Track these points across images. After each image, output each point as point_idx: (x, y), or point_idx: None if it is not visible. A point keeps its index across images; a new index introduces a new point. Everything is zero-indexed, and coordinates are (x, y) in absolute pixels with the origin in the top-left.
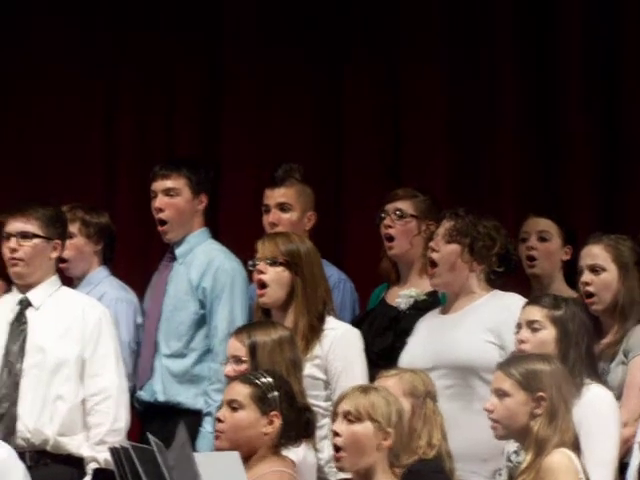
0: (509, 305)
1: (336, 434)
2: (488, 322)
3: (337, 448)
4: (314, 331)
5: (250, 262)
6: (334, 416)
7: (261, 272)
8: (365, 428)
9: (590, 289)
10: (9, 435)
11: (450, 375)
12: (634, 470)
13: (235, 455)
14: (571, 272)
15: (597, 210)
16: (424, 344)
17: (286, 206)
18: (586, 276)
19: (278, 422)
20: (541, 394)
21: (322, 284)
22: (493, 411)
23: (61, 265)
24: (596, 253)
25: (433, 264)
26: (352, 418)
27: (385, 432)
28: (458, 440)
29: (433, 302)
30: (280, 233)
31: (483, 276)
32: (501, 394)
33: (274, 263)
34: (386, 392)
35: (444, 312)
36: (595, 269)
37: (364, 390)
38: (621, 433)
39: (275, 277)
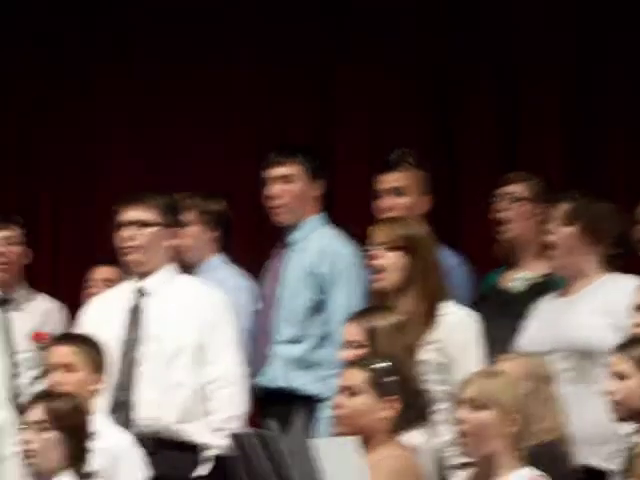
0: (625, 287)
1: (460, 421)
2: (605, 305)
3: (462, 435)
4: (431, 315)
5: (366, 247)
6: (458, 403)
7: (377, 257)
8: (490, 415)
9: None
10: (128, 423)
11: (568, 358)
12: None
13: (353, 440)
14: None
15: None
16: (542, 327)
17: (400, 190)
18: None
19: (395, 407)
20: None
21: (438, 268)
22: (613, 393)
23: (178, 252)
24: None
25: (550, 247)
26: (476, 405)
27: (509, 418)
28: (576, 423)
29: (548, 285)
30: (396, 218)
31: (600, 258)
32: (621, 376)
33: (390, 248)
34: (509, 376)
35: (562, 295)
36: None
37: (487, 375)
38: None
39: (391, 262)
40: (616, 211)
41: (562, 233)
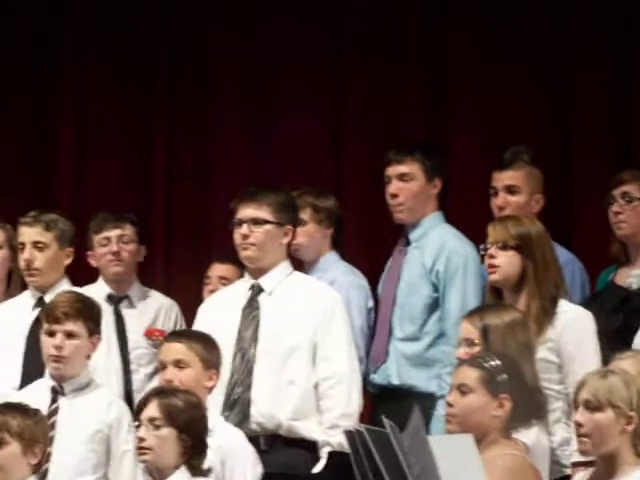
0: None
1: (578, 424)
2: None
3: (581, 436)
4: (546, 314)
5: (482, 246)
6: (575, 405)
7: (492, 256)
8: (606, 415)
9: None
10: (243, 420)
11: None
12: None
13: (469, 438)
14: None
15: None
16: None
17: (514, 189)
18: None
19: (508, 405)
20: None
21: (554, 266)
22: None
23: (293, 249)
24: None
25: None
26: (592, 407)
27: (627, 416)
28: None
29: None
30: (511, 216)
31: None
32: None
33: (505, 247)
34: (624, 374)
35: None
36: None
37: (602, 376)
38: None
39: (506, 261)
40: None
41: None
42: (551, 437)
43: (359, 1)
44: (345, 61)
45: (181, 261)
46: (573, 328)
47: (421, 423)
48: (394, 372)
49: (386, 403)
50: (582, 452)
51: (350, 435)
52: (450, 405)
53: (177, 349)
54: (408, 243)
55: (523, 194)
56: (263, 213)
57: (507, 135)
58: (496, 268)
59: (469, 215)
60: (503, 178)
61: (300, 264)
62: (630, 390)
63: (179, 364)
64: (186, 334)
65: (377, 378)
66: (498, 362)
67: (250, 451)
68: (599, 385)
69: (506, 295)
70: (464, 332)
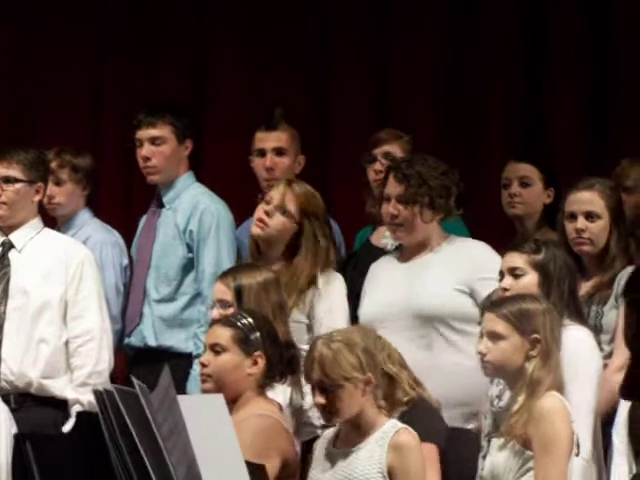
0: (474, 251)
1: (320, 404)
2: (455, 270)
3: (325, 411)
4: (309, 278)
5: (260, 195)
6: (311, 386)
7: (268, 214)
8: (345, 390)
9: (585, 236)
10: None
11: (419, 325)
12: (623, 418)
13: (219, 397)
14: (552, 214)
15: (580, 151)
16: (389, 294)
17: (282, 150)
18: (581, 222)
19: (262, 362)
20: (536, 336)
21: (326, 240)
22: (487, 354)
23: (48, 207)
24: (590, 199)
25: (396, 225)
26: (328, 386)
27: (364, 380)
28: (432, 387)
29: None
30: (291, 181)
31: (439, 223)
32: (495, 337)
33: (284, 212)
34: (346, 340)
35: (403, 260)
36: (590, 216)
37: (327, 347)
38: (612, 379)
39: (280, 227)
40: (449, 171)
41: (405, 213)
42: (302, 397)
43: None
44: (108, 26)
45: None
46: (324, 290)
47: (170, 382)
48: (150, 334)
49: (143, 365)
50: (327, 421)
51: (99, 395)
52: (204, 365)
53: None
54: (162, 205)
55: (289, 156)
56: (13, 172)
57: (266, 94)
58: (265, 226)
59: (225, 175)
60: (271, 139)
61: (52, 221)
62: (357, 355)
63: None
64: None
65: (133, 340)
66: (251, 320)
67: (4, 410)
68: (327, 364)
69: (269, 254)
70: (218, 293)
